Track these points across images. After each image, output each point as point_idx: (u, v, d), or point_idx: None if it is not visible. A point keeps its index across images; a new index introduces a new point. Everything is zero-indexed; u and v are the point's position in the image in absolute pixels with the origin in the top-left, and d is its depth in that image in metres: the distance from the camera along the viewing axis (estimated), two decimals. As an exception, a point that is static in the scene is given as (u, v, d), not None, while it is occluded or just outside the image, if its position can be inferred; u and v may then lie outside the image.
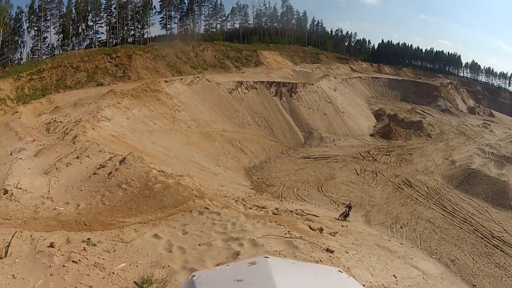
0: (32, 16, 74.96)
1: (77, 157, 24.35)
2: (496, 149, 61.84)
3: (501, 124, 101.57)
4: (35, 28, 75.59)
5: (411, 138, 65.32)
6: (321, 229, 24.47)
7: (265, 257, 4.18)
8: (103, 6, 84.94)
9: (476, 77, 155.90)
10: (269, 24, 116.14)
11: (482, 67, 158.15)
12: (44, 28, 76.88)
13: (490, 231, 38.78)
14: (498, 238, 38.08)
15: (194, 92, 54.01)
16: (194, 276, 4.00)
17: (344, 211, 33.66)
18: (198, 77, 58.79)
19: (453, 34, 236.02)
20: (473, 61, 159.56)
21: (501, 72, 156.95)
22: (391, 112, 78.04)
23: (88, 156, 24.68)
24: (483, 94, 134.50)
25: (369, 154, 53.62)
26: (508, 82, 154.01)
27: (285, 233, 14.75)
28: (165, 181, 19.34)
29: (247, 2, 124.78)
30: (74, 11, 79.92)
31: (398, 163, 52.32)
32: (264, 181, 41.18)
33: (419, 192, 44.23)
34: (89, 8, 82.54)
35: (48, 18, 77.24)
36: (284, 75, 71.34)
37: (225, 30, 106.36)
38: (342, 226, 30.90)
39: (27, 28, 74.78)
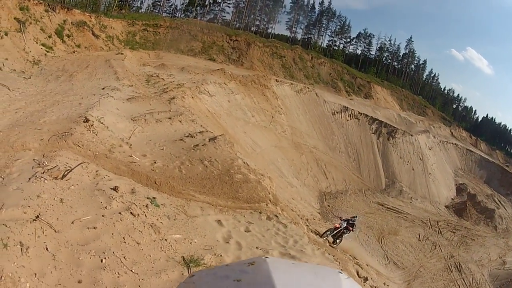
0: None
1: (169, 118, 24.02)
2: None
3: None
4: None
5: (479, 224, 63.25)
6: (365, 279, 24.14)
7: (265, 257, 3.68)
8: None
9: None
10: (389, 60, 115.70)
11: None
12: None
13: None
14: None
15: (300, 101, 54.44)
16: (193, 276, 3.62)
17: (336, 228, 26.05)
18: (308, 87, 59.33)
19: None
20: None
21: None
22: (472, 191, 75.96)
23: (180, 121, 24.21)
24: None
25: (437, 224, 52.98)
26: None
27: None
28: (247, 175, 18.29)
29: (374, 31, 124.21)
30: None
31: (459, 244, 51.29)
32: (333, 211, 41.26)
33: (463, 280, 43.25)
34: None
35: None
36: (388, 116, 71.42)
37: (346, 52, 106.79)
38: (384, 283, 30.19)
39: None
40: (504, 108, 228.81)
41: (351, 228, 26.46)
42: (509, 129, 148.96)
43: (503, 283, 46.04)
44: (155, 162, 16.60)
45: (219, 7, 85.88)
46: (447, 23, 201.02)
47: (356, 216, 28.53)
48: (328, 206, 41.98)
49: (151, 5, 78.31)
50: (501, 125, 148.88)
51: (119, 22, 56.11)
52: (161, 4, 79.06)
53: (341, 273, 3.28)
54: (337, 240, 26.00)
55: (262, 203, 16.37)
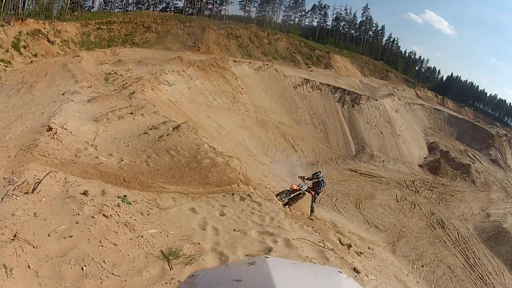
0: None
1: (131, 113, 23.92)
2: None
3: None
4: None
5: (456, 179, 64.34)
6: (349, 246, 23.80)
7: (265, 257, 3.60)
8: None
9: None
10: (346, 29, 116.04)
11: None
12: None
13: None
14: None
15: (260, 78, 54.09)
16: (193, 276, 3.49)
17: (293, 190, 23.14)
18: (267, 64, 59.03)
19: None
20: None
21: None
22: (444, 148, 77.45)
23: (142, 115, 24.24)
24: None
25: (413, 184, 53.33)
26: None
27: (319, 242, 14.68)
28: (214, 158, 18.44)
29: (328, 2, 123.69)
30: None
31: (438, 201, 51.91)
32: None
33: (449, 236, 43.93)
34: None
35: None
36: (351, 84, 71.53)
37: (302, 25, 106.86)
38: (368, 248, 28.87)
39: None
40: (469, 66, 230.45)
41: (313, 192, 23.73)
42: (476, 85, 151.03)
43: (490, 235, 46.89)
44: (122, 160, 16.86)
45: None
46: None
47: (319, 172, 25.07)
48: (300, 177, 40.54)
49: (103, 2, 77.33)
50: (468, 82, 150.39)
51: (73, 25, 55.48)
52: (113, 0, 78.11)
53: (341, 273, 3.28)
54: (292, 203, 23.13)
55: (233, 185, 16.54)
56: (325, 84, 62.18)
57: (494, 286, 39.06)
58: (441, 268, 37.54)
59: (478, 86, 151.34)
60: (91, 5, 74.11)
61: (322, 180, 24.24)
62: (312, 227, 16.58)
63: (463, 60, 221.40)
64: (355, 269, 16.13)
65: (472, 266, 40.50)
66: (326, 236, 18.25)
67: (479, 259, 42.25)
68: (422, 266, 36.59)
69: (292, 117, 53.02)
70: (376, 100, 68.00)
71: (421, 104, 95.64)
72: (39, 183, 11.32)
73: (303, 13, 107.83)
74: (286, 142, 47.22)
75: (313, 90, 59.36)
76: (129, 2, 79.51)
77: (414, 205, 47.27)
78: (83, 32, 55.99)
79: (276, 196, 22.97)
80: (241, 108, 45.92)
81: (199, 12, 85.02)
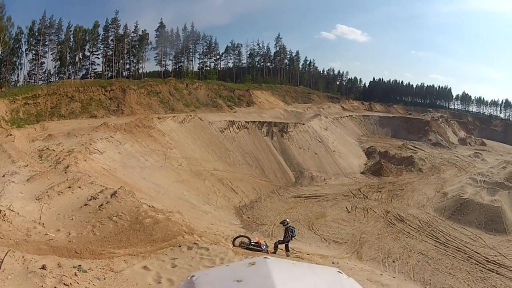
0: (31, 39, 75.99)
1: (69, 187, 24.34)
2: (488, 177, 62.59)
3: (493, 151, 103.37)
4: (33, 52, 76.78)
5: (402, 173, 65.25)
6: None
7: (265, 257, 4.23)
8: (100, 37, 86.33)
9: (467, 108, 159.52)
10: (262, 63, 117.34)
11: (473, 97, 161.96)
12: (42, 53, 78.37)
13: (484, 257, 38.64)
14: (493, 262, 37.97)
15: (186, 130, 53.65)
16: (193, 276, 4.01)
17: (257, 243, 23.42)
18: (190, 115, 58.65)
19: (444, 68, 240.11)
20: (463, 92, 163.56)
21: (492, 100, 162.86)
22: (381, 149, 78.47)
23: (79, 187, 24.66)
24: (474, 124, 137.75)
25: (360, 191, 53.25)
26: (499, 109, 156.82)
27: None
28: (155, 216, 19.23)
29: (241, 41, 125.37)
30: (72, 39, 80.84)
31: (389, 199, 51.92)
32: (255, 220, 40.49)
33: (411, 226, 43.85)
34: (86, 38, 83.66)
35: (46, 43, 78.68)
36: (276, 115, 71.85)
37: (219, 68, 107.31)
38: (333, 263, 29.76)
39: (25, 51, 75.84)
40: (391, 66, 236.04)
41: (289, 233, 24.39)
42: (400, 81, 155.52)
43: (453, 211, 47.92)
44: (69, 233, 17.40)
45: (89, 61, 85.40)
46: (306, 11, 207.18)
47: (285, 220, 25.97)
48: (248, 218, 41.25)
49: (27, 75, 77.44)
50: (391, 81, 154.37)
51: (2, 102, 54.37)
52: (36, 73, 77.81)
53: (340, 273, 4.06)
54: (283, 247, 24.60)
55: (178, 237, 17.40)
56: (250, 121, 62.41)
57: (475, 251, 39.23)
58: (413, 257, 37.16)
59: (402, 81, 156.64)
60: (16, 79, 74.28)
61: (291, 228, 24.46)
62: (264, 257, 15.79)
63: (383, 62, 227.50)
64: None
65: (444, 243, 40.52)
66: None
67: (450, 235, 42.52)
68: (393, 261, 36.05)
69: (225, 161, 52.48)
70: (304, 124, 68.50)
71: (349, 115, 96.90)
72: (2, 262, 11.64)
73: (218, 56, 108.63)
74: (225, 187, 46.28)
75: (240, 130, 59.28)
76: (51, 72, 79.51)
77: (367, 210, 47.09)
78: (12, 109, 55.02)
79: (235, 239, 23.65)
80: (173, 163, 44.97)
81: (118, 74, 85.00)
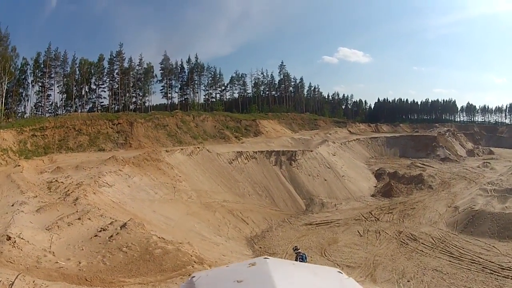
0: (37, 71, 77.84)
1: (79, 218, 24.54)
2: (498, 185, 62.65)
3: (502, 159, 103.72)
4: (39, 84, 78.94)
5: (412, 192, 64.75)
6: None
7: (265, 258, 4.21)
8: (106, 71, 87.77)
9: (472, 118, 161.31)
10: (267, 92, 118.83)
11: (477, 106, 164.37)
12: (48, 86, 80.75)
13: (499, 265, 38.10)
14: (508, 268, 37.53)
15: (195, 163, 53.51)
16: (194, 277, 4.02)
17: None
18: (198, 147, 58.65)
19: (447, 80, 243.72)
20: (468, 103, 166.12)
21: (496, 107, 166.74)
22: (391, 170, 78.15)
23: (89, 219, 24.85)
24: (480, 134, 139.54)
25: (371, 214, 52.88)
26: (504, 115, 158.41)
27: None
28: (165, 247, 19.71)
29: (245, 71, 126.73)
30: (78, 72, 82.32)
31: (401, 219, 51.51)
32: (267, 250, 40.21)
33: (424, 244, 43.31)
34: (92, 71, 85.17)
35: (52, 75, 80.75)
36: (283, 144, 71.87)
37: (225, 99, 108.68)
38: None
39: (31, 82, 77.70)
40: (393, 85, 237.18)
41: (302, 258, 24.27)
42: (405, 100, 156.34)
43: (465, 224, 47.46)
44: (80, 262, 17.82)
45: (95, 94, 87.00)
46: (307, 37, 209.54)
47: (295, 247, 26.58)
48: (260, 248, 40.93)
49: (34, 107, 79.09)
50: (396, 100, 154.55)
51: (9, 132, 54.75)
52: (43, 105, 79.53)
53: (341, 273, 4.07)
54: None
55: (188, 267, 17.88)
56: (258, 151, 62.19)
57: (490, 261, 38.71)
58: (428, 275, 36.61)
59: (407, 99, 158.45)
60: (23, 110, 76.11)
61: (301, 255, 24.32)
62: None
63: (387, 81, 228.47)
64: None
65: (458, 258, 39.95)
66: None
67: (463, 248, 41.90)
68: (408, 281, 35.58)
69: (235, 192, 52.05)
70: (312, 151, 68.42)
71: (356, 139, 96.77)
72: (12, 284, 12.23)
73: (223, 87, 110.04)
74: (235, 218, 45.95)
75: (248, 161, 59.06)
76: (58, 105, 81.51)
77: (379, 233, 46.67)
78: (20, 140, 55.29)
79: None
80: (183, 196, 44.67)
81: (124, 107, 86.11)
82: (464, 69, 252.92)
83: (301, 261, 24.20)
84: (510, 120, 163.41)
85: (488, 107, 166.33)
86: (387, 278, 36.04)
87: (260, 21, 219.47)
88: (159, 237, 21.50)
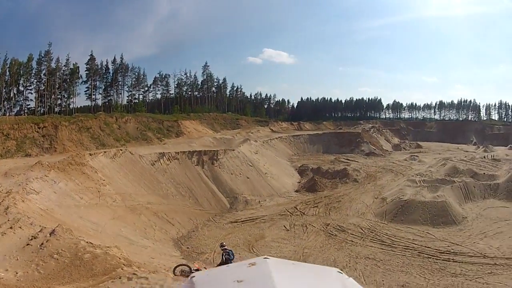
0: None
1: (11, 227, 24.34)
2: (427, 176, 65.38)
3: (430, 152, 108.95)
4: None
5: (337, 186, 66.01)
6: None
7: (265, 257, 4.29)
8: (33, 71, 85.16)
9: (399, 115, 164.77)
10: (189, 93, 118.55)
11: (404, 104, 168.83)
12: None
13: (436, 249, 39.73)
14: (447, 252, 39.11)
15: (118, 165, 52.45)
16: (193, 276, 4.00)
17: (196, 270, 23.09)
18: (121, 149, 57.42)
19: (373, 80, 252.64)
20: (394, 101, 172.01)
21: (425, 104, 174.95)
22: (314, 166, 79.40)
23: (20, 227, 24.60)
24: (407, 129, 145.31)
25: (297, 209, 53.23)
26: (433, 111, 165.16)
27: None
28: (94, 251, 19.90)
29: (169, 71, 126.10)
30: (8, 73, 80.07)
31: (327, 212, 52.13)
32: (194, 250, 39.96)
33: (353, 235, 44.20)
34: (21, 72, 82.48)
35: None
36: (205, 144, 71.75)
37: (147, 100, 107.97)
38: None
39: None
40: (317, 85, 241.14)
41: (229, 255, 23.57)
42: (328, 98, 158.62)
43: (395, 213, 49.29)
44: (17, 273, 18.10)
45: (22, 96, 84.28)
46: (233, 38, 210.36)
47: (221, 243, 24.97)
48: (188, 248, 40.72)
49: None
50: (319, 99, 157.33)
51: None
52: None
53: (341, 273, 4.30)
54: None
55: (117, 269, 18.07)
56: (180, 152, 61.78)
57: (426, 246, 40.57)
58: (361, 263, 37.60)
59: (331, 98, 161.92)
60: None
61: (227, 251, 23.55)
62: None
63: (311, 82, 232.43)
64: None
65: (391, 245, 41.31)
66: None
67: (395, 236, 43.50)
68: (341, 270, 34.87)
69: (158, 194, 51.49)
70: (234, 150, 68.86)
71: (279, 137, 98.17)
72: None
73: (146, 88, 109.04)
74: (161, 220, 45.40)
75: (170, 162, 58.55)
76: None
77: (306, 226, 46.99)
78: None
79: (175, 268, 22.67)
80: (108, 200, 43.64)
81: (50, 110, 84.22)
82: (391, 70, 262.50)
83: (227, 258, 24.13)
84: (440, 116, 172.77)
85: (416, 104, 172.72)
86: (319, 269, 35.57)
87: (186, 22, 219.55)
88: (87, 242, 21.62)
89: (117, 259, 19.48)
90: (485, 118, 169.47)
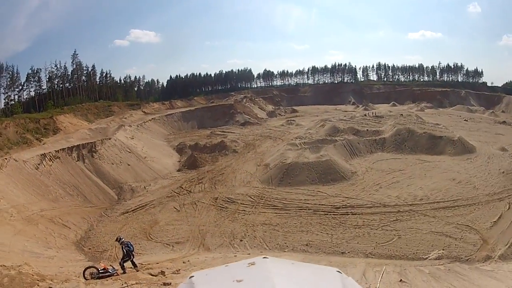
0: None
1: None
2: (307, 138, 67.20)
3: (307, 115, 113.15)
4: None
5: (218, 159, 67.66)
6: (162, 272, 25.59)
7: (264, 257, 4.32)
8: None
9: (271, 83, 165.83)
10: (61, 85, 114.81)
11: (276, 72, 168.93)
12: None
13: (331, 205, 42.42)
14: (344, 206, 42.02)
15: (6, 176, 50.57)
16: (193, 276, 4.06)
17: (104, 270, 25.44)
18: (6, 158, 54.97)
19: (242, 52, 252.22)
20: (265, 70, 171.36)
21: (297, 70, 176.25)
22: (191, 142, 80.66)
23: None
24: (280, 96, 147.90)
25: (182, 188, 54.11)
26: (306, 77, 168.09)
27: (122, 285, 15.19)
28: (9, 273, 19.44)
29: (41, 66, 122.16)
30: None
31: (213, 186, 53.49)
32: (96, 249, 39.77)
33: (243, 204, 45.84)
34: None
35: None
36: (82, 137, 70.50)
37: (23, 100, 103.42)
38: (183, 262, 31.55)
39: None
40: (185, 62, 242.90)
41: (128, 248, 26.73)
42: (197, 74, 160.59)
43: (280, 177, 51.94)
44: None
45: None
46: (98, 21, 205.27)
47: (118, 237, 28.69)
48: (90, 249, 40.28)
49: None
50: (188, 75, 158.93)
51: None
52: None
53: (340, 272, 3.97)
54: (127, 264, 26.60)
55: (34, 287, 18.39)
56: (60, 149, 60.36)
57: (320, 204, 43.54)
58: (259, 230, 39.44)
59: (200, 73, 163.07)
60: None
61: (126, 243, 26.66)
62: (114, 280, 19.70)
63: (179, 59, 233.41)
64: (164, 284, 19.13)
65: (284, 208, 43.61)
66: (135, 278, 22.40)
67: (286, 198, 45.89)
68: (241, 240, 37.87)
69: (49, 198, 50.13)
70: (110, 138, 68.69)
71: (152, 119, 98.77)
72: None
73: (21, 87, 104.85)
74: (57, 225, 44.45)
75: (52, 162, 57.19)
76: None
77: (195, 204, 47.99)
78: None
79: (83, 273, 24.66)
80: (5, 215, 42.23)
81: None
82: (260, 40, 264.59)
83: (128, 249, 26.55)
84: (313, 81, 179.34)
85: (287, 71, 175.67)
86: (219, 244, 37.61)
87: (57, 10, 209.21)
88: (1, 266, 21.16)
89: (31, 277, 19.61)
90: (362, 79, 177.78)
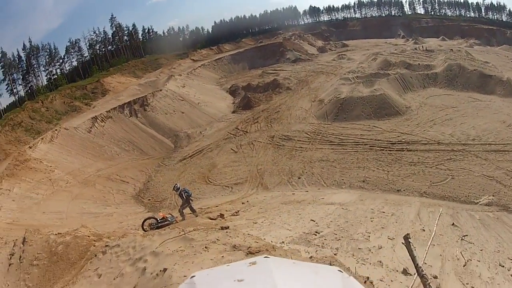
0: None
1: None
2: (360, 72, 64.76)
3: (358, 49, 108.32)
4: None
5: (272, 98, 66.38)
6: (221, 215, 25.79)
7: (265, 256, 4.23)
8: None
9: (317, 19, 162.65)
10: (103, 49, 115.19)
11: (321, 8, 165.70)
12: None
13: (388, 141, 41.48)
14: (399, 142, 41.00)
15: (58, 146, 51.88)
16: (193, 276, 4.01)
17: (163, 219, 25.78)
18: (56, 130, 56.61)
19: None
20: (310, 6, 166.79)
21: (343, 5, 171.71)
22: (243, 83, 79.40)
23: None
24: (329, 31, 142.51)
25: (238, 129, 53.97)
26: (353, 11, 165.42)
27: (179, 232, 15.29)
28: (64, 240, 19.33)
29: (78, 36, 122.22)
30: None
31: (269, 125, 53.11)
32: (156, 199, 40.14)
33: (300, 141, 45.25)
34: None
35: None
36: (133, 93, 70.45)
37: (66, 72, 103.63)
38: (242, 203, 31.42)
39: None
40: (228, 5, 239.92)
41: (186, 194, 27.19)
42: (242, 16, 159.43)
43: (335, 113, 51.26)
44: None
45: None
46: None
47: (175, 185, 28.57)
48: (149, 200, 40.78)
49: None
50: (233, 19, 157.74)
51: None
52: None
53: (341, 272, 3.88)
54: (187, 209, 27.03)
55: (90, 248, 18.15)
56: (111, 109, 60.98)
57: (376, 139, 42.80)
58: (316, 167, 38.90)
59: (244, 15, 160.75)
60: None
61: (185, 190, 27.01)
62: (172, 228, 18.81)
63: (221, 4, 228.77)
64: (222, 228, 17.94)
65: (340, 144, 42.90)
66: (194, 224, 22.03)
67: (342, 134, 45.10)
68: (299, 178, 37.49)
69: (104, 158, 51.27)
70: (161, 90, 68.36)
71: (201, 65, 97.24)
72: None
73: (61, 60, 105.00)
74: (115, 182, 45.33)
75: (105, 123, 57.99)
76: None
77: (252, 143, 48.01)
78: None
79: (142, 225, 24.94)
80: (61, 184, 43.46)
81: None
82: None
83: (187, 195, 26.63)
84: (361, 15, 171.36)
85: (333, 6, 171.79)
86: (277, 182, 37.54)
87: None
88: (56, 234, 20.97)
89: (86, 239, 19.47)
90: (410, 13, 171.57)
